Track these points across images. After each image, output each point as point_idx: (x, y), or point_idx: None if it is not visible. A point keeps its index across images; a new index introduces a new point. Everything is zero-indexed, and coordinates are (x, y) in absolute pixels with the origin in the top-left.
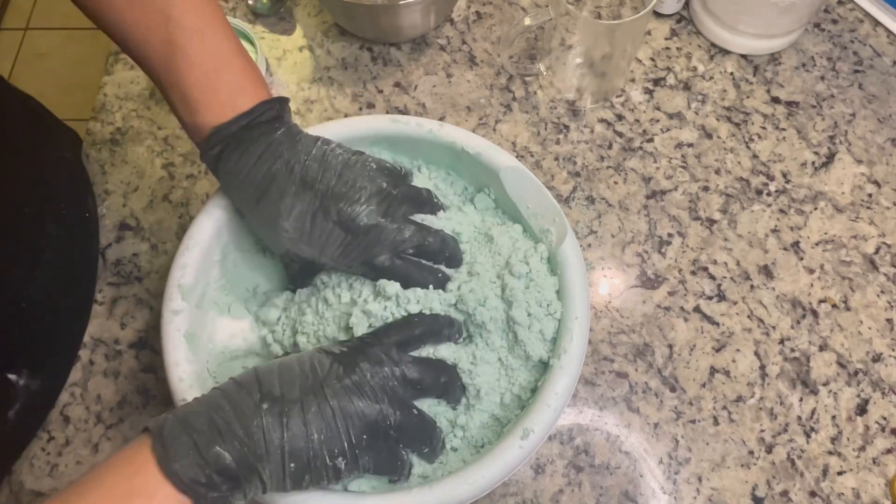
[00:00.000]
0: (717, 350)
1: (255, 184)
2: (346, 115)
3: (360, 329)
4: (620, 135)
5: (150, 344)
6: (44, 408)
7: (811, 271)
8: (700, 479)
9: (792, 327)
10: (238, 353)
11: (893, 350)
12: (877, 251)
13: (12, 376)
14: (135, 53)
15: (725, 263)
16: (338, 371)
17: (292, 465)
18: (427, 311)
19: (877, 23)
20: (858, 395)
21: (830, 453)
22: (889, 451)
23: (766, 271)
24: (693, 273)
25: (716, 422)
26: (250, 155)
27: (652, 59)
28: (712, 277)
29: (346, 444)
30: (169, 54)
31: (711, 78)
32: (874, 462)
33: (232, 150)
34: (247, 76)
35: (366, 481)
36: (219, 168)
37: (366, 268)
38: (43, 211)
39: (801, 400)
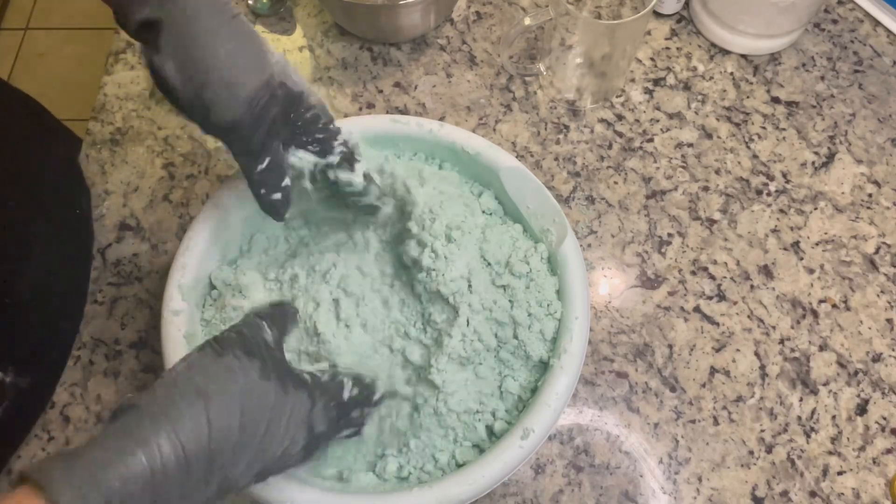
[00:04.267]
0: (717, 350)
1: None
2: (346, 115)
3: None
4: (620, 135)
5: (150, 344)
6: (36, 406)
7: (811, 271)
8: (700, 479)
9: (792, 327)
10: None
11: (893, 350)
12: (877, 251)
13: None
14: None
15: (725, 263)
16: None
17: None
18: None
19: (877, 23)
20: (858, 395)
21: (830, 453)
22: (889, 451)
23: (766, 271)
24: (693, 273)
25: (716, 422)
26: None
27: (652, 59)
28: (712, 277)
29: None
30: None
31: (711, 78)
32: (874, 462)
33: None
34: None
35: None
36: None
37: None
38: (33, 207)
39: (801, 400)
